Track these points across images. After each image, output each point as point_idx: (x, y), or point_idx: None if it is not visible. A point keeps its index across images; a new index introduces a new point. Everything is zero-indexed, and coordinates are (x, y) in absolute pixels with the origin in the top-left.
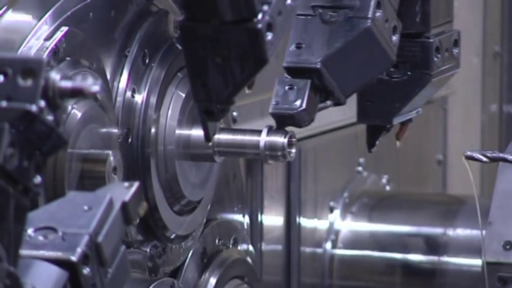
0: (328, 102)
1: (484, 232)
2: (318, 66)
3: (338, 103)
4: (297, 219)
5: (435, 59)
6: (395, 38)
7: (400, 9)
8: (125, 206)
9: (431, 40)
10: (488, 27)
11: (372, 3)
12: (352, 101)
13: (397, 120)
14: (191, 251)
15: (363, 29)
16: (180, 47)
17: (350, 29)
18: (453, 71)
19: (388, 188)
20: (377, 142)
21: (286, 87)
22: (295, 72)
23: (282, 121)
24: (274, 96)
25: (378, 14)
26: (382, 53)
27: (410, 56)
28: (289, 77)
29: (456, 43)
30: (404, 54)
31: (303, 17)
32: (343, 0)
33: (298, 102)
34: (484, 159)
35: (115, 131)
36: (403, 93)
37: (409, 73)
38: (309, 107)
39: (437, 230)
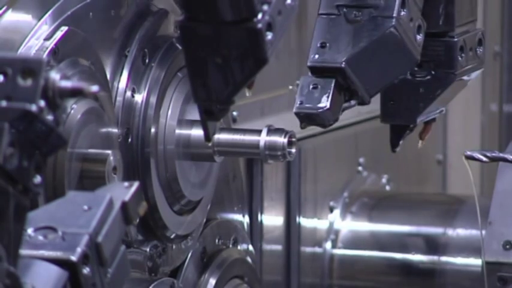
0: (352, 102)
1: (483, 232)
2: (343, 65)
3: (362, 102)
4: (297, 219)
5: (459, 59)
6: (419, 37)
7: (424, 8)
8: (124, 205)
9: (455, 39)
10: (488, 27)
11: (397, 3)
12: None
13: (421, 120)
14: (191, 251)
15: (387, 28)
16: (180, 47)
17: (374, 29)
18: (477, 70)
19: (388, 188)
20: (401, 142)
21: (311, 87)
22: (320, 71)
23: (306, 121)
24: (299, 95)
25: (402, 13)
26: (406, 52)
27: (435, 55)
28: (313, 76)
29: (480, 42)
30: (428, 53)
31: (326, 16)
32: None
33: (322, 102)
34: (484, 159)
35: (115, 130)
36: (427, 93)
37: (433, 72)
38: (334, 107)
39: (437, 230)
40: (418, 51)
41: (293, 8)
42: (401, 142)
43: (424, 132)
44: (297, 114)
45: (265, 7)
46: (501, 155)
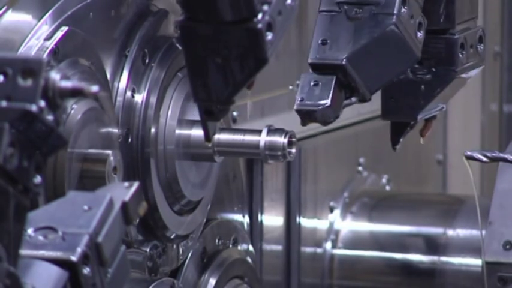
0: (353, 99)
1: (484, 232)
2: (343, 62)
3: (363, 99)
4: (297, 219)
5: (460, 56)
6: (420, 34)
7: (424, 5)
8: (125, 206)
9: (456, 37)
10: (488, 27)
11: (398, 0)
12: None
13: (421, 117)
14: (191, 251)
15: (388, 25)
16: (180, 47)
17: (375, 26)
18: (478, 67)
19: (388, 188)
20: (401, 139)
21: (311, 84)
22: (320, 68)
23: (307, 118)
24: (299, 92)
25: (403, 10)
26: (407, 49)
27: (435, 52)
28: (314, 73)
29: (481, 39)
30: (429, 50)
31: (327, 13)
32: None
33: (323, 99)
34: (484, 159)
35: (115, 130)
36: (428, 90)
37: (433, 70)
38: (334, 104)
39: (437, 230)
40: (418, 48)
41: (293, 8)
42: (401, 140)
43: (424, 129)
44: (297, 111)
45: (265, 7)
46: (501, 155)
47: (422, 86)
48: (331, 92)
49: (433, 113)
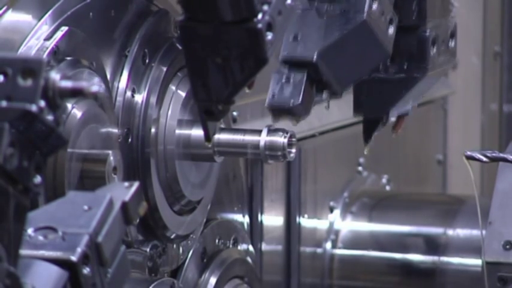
0: (324, 95)
1: (484, 232)
2: (314, 59)
3: (334, 95)
4: (297, 219)
5: (431, 52)
6: (391, 30)
7: (397, 2)
8: (125, 206)
9: (427, 34)
10: (488, 27)
11: None
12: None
13: (393, 113)
14: (191, 251)
15: (358, 21)
16: (180, 47)
17: (346, 22)
18: (450, 63)
19: (388, 188)
20: (373, 135)
21: (283, 80)
22: (291, 64)
23: (278, 114)
24: (271, 89)
25: (374, 7)
26: (378, 45)
27: (407, 49)
28: (285, 70)
29: (452, 35)
30: (400, 47)
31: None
32: None
33: (294, 96)
34: (484, 159)
35: (115, 131)
36: (399, 86)
37: (405, 67)
38: (305, 101)
39: (437, 230)
40: (390, 44)
41: (293, 8)
42: (373, 136)
43: (397, 125)
44: (269, 107)
45: (265, 7)
46: (501, 155)
47: (394, 83)
48: (302, 89)
49: (405, 109)
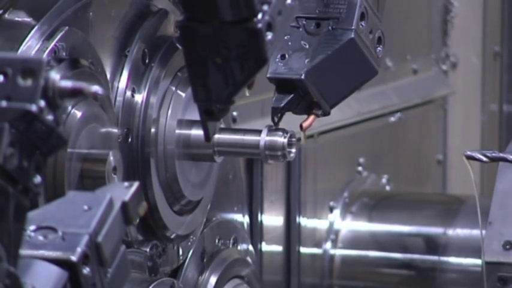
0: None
1: (484, 232)
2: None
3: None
4: (297, 219)
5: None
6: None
7: None
8: (124, 205)
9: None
10: (488, 27)
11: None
12: (353, 101)
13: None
14: (191, 251)
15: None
16: (180, 47)
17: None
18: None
19: (388, 188)
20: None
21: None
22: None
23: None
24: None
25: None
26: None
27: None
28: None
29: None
30: (330, 11)
31: None
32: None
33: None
34: (484, 159)
35: (115, 130)
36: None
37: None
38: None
39: (437, 230)
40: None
41: (293, 8)
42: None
43: (306, 121)
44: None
45: (265, 7)
46: (501, 155)
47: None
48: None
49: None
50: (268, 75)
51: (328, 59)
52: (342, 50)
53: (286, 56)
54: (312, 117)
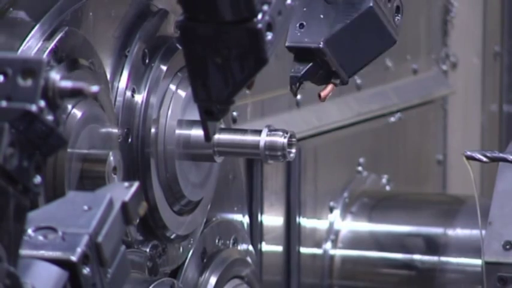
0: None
1: (483, 232)
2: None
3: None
4: (297, 219)
5: None
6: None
7: None
8: (125, 206)
9: None
10: (488, 27)
11: None
12: (353, 101)
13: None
14: (191, 251)
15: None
16: (180, 47)
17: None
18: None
19: (388, 188)
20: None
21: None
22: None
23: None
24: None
25: None
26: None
27: None
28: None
29: None
30: None
31: None
32: None
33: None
34: (484, 159)
35: (115, 131)
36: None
37: None
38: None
39: (437, 230)
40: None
41: (293, 8)
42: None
43: (324, 90)
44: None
45: (265, 7)
46: (501, 155)
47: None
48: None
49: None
50: (286, 44)
51: (346, 28)
52: (361, 18)
53: (305, 24)
54: (330, 86)
